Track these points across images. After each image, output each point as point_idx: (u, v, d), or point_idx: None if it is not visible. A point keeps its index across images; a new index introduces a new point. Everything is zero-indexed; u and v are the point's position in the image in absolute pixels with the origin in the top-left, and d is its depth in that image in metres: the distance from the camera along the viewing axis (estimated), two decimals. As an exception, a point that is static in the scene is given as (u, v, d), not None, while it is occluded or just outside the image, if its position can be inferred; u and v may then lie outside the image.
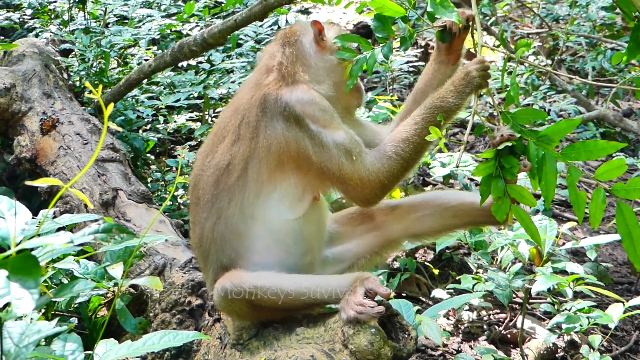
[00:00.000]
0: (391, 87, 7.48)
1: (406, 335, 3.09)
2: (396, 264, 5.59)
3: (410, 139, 3.31)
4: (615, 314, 4.32)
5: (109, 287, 3.49)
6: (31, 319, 2.65)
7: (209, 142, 3.51)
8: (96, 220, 2.90)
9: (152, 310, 3.66)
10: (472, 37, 3.47)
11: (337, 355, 2.96)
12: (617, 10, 9.64)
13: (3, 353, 2.47)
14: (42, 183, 2.39)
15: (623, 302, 4.40)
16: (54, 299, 3.30)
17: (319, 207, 3.52)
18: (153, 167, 6.36)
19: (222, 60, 6.75)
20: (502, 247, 4.84)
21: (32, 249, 2.34)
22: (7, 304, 2.08)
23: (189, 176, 5.68)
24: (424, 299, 5.38)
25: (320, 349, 2.98)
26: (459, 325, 5.10)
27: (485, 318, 5.17)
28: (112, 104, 2.55)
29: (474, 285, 4.56)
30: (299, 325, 3.15)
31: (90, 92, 3.13)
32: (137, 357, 3.15)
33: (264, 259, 3.33)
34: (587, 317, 4.28)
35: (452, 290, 5.15)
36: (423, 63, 9.09)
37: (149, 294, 3.75)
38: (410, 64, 7.48)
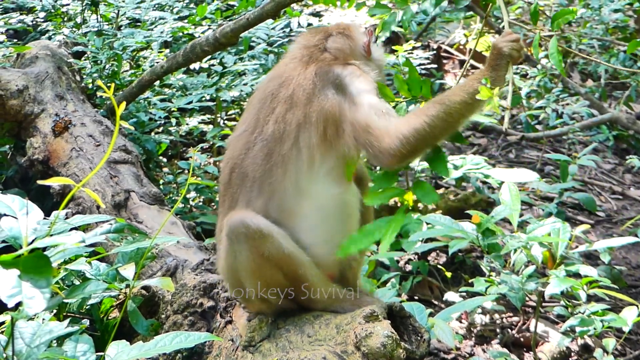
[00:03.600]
0: (404, 89, 7.45)
1: (419, 338, 3.08)
2: (409, 267, 5.57)
3: (442, 100, 3.29)
4: (629, 317, 4.27)
5: (121, 289, 3.48)
6: (43, 319, 2.65)
7: (252, 121, 3.47)
8: (108, 221, 2.90)
9: (164, 312, 3.65)
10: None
11: (349, 357, 2.94)
12: (630, 12, 9.61)
13: (15, 353, 2.47)
14: (54, 182, 2.39)
15: (637, 305, 4.36)
16: (65, 300, 3.29)
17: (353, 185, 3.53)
18: (165, 169, 6.36)
19: (235, 63, 6.74)
20: (515, 250, 4.80)
21: (44, 249, 2.34)
22: (19, 304, 2.08)
23: (201, 178, 5.69)
24: (436, 302, 5.36)
25: (333, 351, 2.96)
26: (472, 329, 5.08)
27: (498, 321, 5.15)
28: (124, 103, 2.54)
29: (486, 288, 4.53)
30: (311, 327, 3.13)
31: (103, 92, 3.12)
32: (148, 358, 3.15)
33: (310, 237, 3.34)
34: (601, 321, 4.25)
35: (464, 293, 5.13)
36: (435, 65, 9.09)
37: (161, 296, 3.74)
38: (423, 67, 7.46)
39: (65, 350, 2.76)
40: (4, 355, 2.46)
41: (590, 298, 4.71)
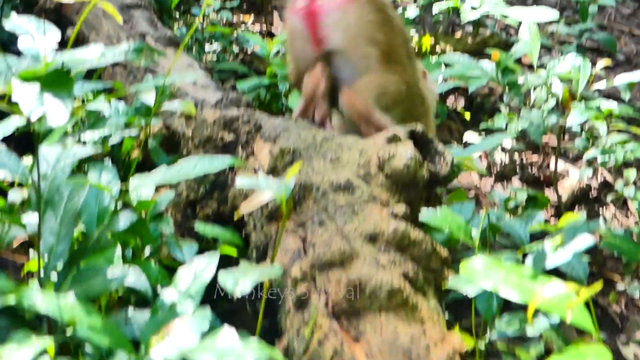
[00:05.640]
0: None
1: (442, 160, 3.07)
2: (427, 113, 5.54)
3: None
4: (650, 147, 4.24)
5: (141, 126, 3.47)
6: (65, 145, 2.64)
7: None
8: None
9: (185, 148, 3.63)
10: None
11: (372, 179, 2.94)
12: None
13: (40, 176, 2.47)
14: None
15: (659, 137, 4.33)
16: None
17: None
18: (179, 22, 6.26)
19: None
20: (535, 88, 4.75)
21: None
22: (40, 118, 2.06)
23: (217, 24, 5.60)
24: (456, 145, 5.35)
25: (356, 174, 2.96)
26: (492, 168, 5.08)
27: (518, 161, 5.14)
28: None
29: (507, 124, 4.52)
30: (333, 153, 3.10)
31: None
32: (172, 192, 3.16)
33: None
34: (623, 150, 4.22)
35: (484, 133, 5.11)
36: None
37: (181, 134, 3.72)
38: None
39: (90, 179, 2.77)
40: (30, 179, 2.47)
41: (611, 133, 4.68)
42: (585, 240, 2.62)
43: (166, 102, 2.76)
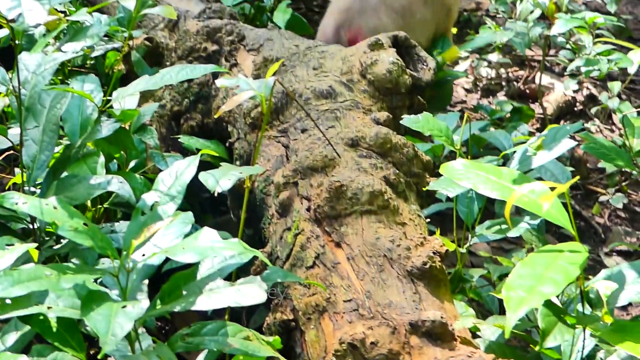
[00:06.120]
0: None
1: (425, 66, 3.07)
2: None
3: None
4: (635, 58, 4.22)
5: (124, 39, 3.44)
6: (45, 54, 2.63)
7: None
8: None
9: (169, 60, 3.62)
10: None
11: (355, 85, 2.94)
12: None
13: (20, 83, 2.47)
14: None
15: (643, 50, 4.31)
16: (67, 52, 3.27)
17: None
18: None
19: None
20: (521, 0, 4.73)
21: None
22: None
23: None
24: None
25: (339, 80, 2.95)
26: (478, 83, 5.08)
27: (504, 75, 5.14)
28: None
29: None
30: (316, 61, 3.09)
31: None
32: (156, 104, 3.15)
33: None
34: (607, 61, 4.21)
35: (470, 49, 5.09)
36: None
37: (165, 45, 3.70)
38: None
39: (72, 87, 2.76)
40: (10, 86, 2.47)
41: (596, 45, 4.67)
42: (567, 144, 2.63)
43: (147, 9, 2.72)
